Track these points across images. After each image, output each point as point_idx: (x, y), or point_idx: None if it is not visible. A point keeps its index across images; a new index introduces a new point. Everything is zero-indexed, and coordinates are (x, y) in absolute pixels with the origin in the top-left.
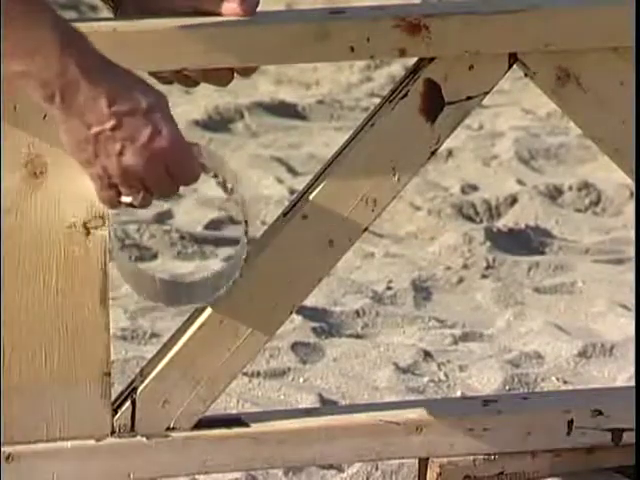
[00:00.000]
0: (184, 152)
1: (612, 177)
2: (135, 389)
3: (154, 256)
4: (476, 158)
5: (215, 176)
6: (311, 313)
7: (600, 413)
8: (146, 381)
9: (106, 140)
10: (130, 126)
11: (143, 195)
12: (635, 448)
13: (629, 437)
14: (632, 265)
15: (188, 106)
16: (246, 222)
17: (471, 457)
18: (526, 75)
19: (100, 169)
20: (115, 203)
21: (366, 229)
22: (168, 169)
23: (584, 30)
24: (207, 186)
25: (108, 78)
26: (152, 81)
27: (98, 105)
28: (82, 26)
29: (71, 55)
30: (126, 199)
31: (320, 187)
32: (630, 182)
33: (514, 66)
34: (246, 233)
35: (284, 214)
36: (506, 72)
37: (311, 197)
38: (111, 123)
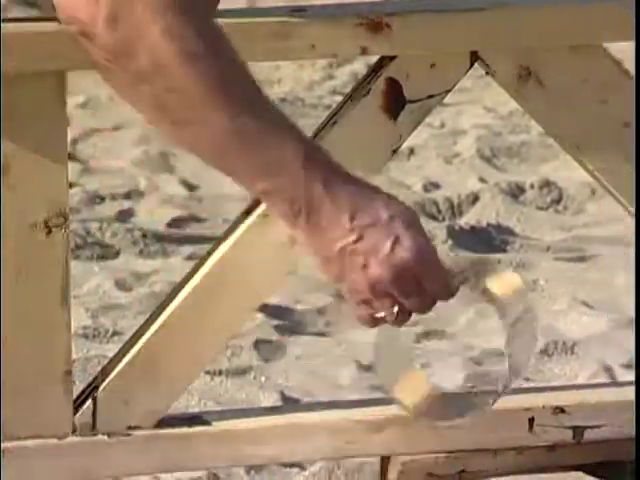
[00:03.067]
0: (431, 264)
1: (574, 175)
2: (96, 388)
3: (116, 254)
4: (438, 156)
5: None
6: (273, 311)
7: (562, 411)
8: (107, 380)
9: (350, 254)
10: (372, 238)
11: (398, 310)
12: (635, 447)
13: (590, 435)
14: (593, 263)
15: None
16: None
17: (433, 455)
18: (487, 73)
19: (351, 285)
20: (369, 321)
21: None
22: (419, 282)
23: (545, 28)
24: (169, 184)
25: (349, 192)
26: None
27: (341, 220)
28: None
29: (315, 171)
30: (380, 315)
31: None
32: (591, 180)
33: (475, 64)
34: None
35: (245, 212)
36: (467, 70)
37: None
38: (353, 237)
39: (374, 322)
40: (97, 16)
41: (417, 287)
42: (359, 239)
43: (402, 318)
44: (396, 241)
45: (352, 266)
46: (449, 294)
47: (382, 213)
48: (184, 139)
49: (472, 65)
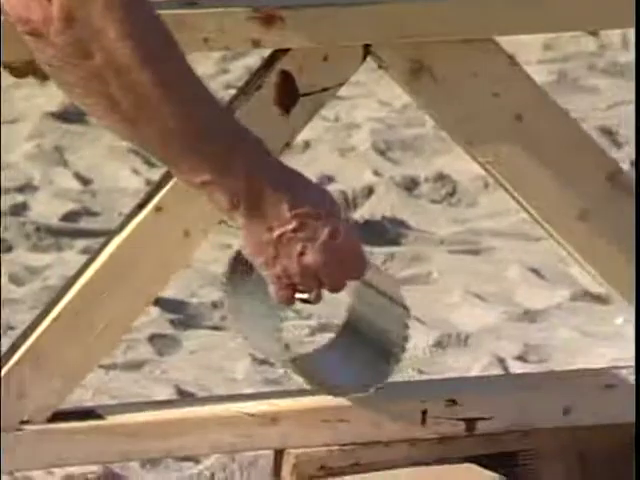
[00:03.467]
0: (358, 248)
1: (467, 168)
2: None
3: (9, 248)
4: (333, 149)
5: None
6: (168, 305)
7: (454, 403)
8: (0, 374)
9: (287, 242)
10: (311, 226)
11: (317, 291)
12: (635, 445)
13: (482, 426)
14: (487, 255)
15: (43, 98)
16: (406, 308)
17: (326, 448)
18: (380, 67)
19: (280, 270)
20: (291, 301)
21: (222, 221)
22: (342, 265)
23: (436, 22)
24: (63, 177)
25: (288, 183)
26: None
27: (281, 209)
28: None
29: (257, 167)
30: (302, 296)
31: (175, 179)
32: (485, 173)
33: (368, 58)
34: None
35: (139, 206)
36: (361, 64)
37: (166, 189)
38: (293, 225)
39: (294, 303)
40: (51, 16)
41: (342, 271)
42: (298, 228)
43: (319, 298)
44: (333, 229)
45: (288, 253)
46: (361, 275)
47: (320, 204)
48: (134, 134)
49: (365, 58)
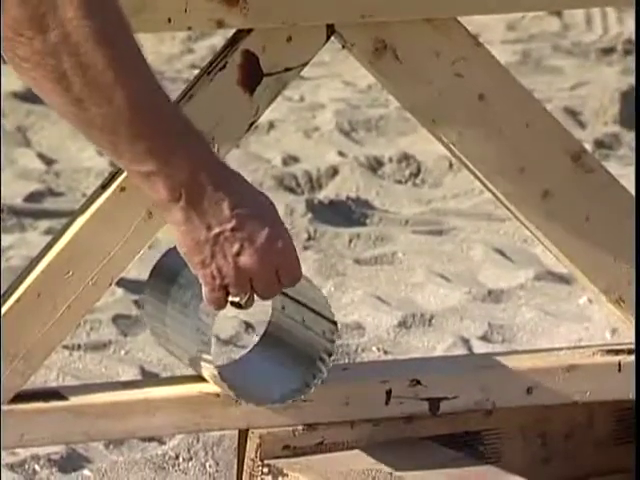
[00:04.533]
0: (294, 256)
1: (431, 149)
2: None
3: None
4: (297, 130)
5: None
6: (132, 285)
7: (418, 383)
8: None
9: (225, 240)
10: (250, 227)
11: (249, 295)
12: (635, 446)
13: (446, 406)
14: (450, 236)
15: (7, 77)
16: (334, 323)
17: (291, 428)
18: (344, 47)
19: (215, 270)
20: (223, 304)
21: None
22: (277, 271)
23: (400, 2)
24: (27, 158)
25: (230, 183)
26: None
27: (221, 207)
28: None
29: (202, 162)
30: (234, 299)
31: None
32: (449, 154)
33: (332, 38)
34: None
35: (102, 186)
36: (324, 44)
37: None
38: (232, 224)
39: (225, 306)
40: None
41: (275, 276)
42: (237, 227)
43: (251, 303)
44: (272, 232)
45: (224, 252)
46: (295, 282)
47: (261, 206)
48: (81, 117)
49: (329, 38)
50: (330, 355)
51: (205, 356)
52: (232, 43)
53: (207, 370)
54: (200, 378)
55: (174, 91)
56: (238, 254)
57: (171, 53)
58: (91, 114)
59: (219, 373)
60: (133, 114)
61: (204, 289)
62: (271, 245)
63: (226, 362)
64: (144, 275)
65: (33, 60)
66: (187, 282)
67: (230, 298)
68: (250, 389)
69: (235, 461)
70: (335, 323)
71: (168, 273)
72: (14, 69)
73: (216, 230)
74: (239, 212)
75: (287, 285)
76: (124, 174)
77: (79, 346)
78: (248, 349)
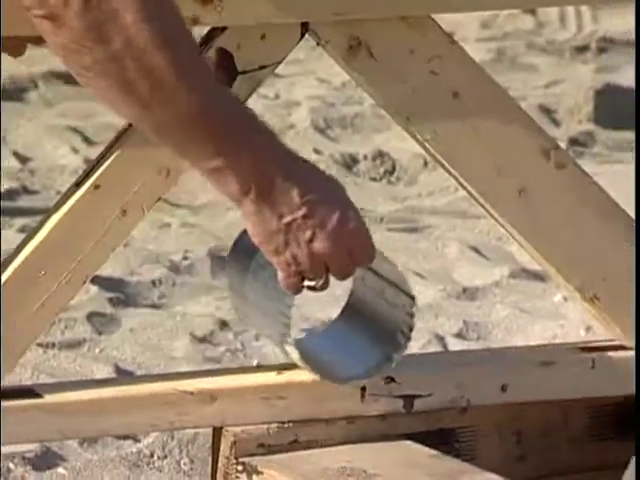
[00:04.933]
0: (367, 235)
1: (406, 146)
2: None
3: None
4: (273, 127)
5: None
6: (107, 283)
7: (393, 380)
8: None
9: (297, 228)
10: (321, 213)
11: (325, 279)
12: (635, 442)
13: (420, 404)
14: (425, 233)
15: None
16: (412, 297)
17: (265, 425)
18: (318, 44)
19: (290, 257)
20: (299, 289)
21: (160, 199)
22: (351, 252)
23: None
24: (1, 156)
25: (298, 171)
26: None
27: (290, 196)
28: None
29: (269, 154)
30: (310, 283)
31: (113, 156)
32: (423, 151)
33: (307, 35)
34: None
35: (76, 184)
36: (298, 41)
37: (104, 166)
38: (302, 212)
39: (301, 290)
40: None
41: (349, 258)
42: (308, 214)
43: (326, 285)
44: (342, 215)
45: (297, 240)
46: (369, 261)
47: (329, 191)
48: (147, 119)
49: (303, 36)
50: (411, 329)
51: (288, 339)
52: (206, 41)
53: (291, 353)
54: (175, 376)
55: None
56: (311, 240)
57: None
58: (156, 117)
59: (301, 354)
60: (199, 113)
61: (279, 275)
62: (342, 228)
63: (307, 339)
64: (119, 273)
65: (96, 69)
66: (265, 261)
67: (306, 283)
68: (332, 366)
69: (210, 459)
70: (413, 297)
71: (249, 249)
72: (79, 80)
73: (288, 219)
74: (309, 199)
75: (362, 265)
76: (98, 172)
77: (54, 344)
78: (328, 325)
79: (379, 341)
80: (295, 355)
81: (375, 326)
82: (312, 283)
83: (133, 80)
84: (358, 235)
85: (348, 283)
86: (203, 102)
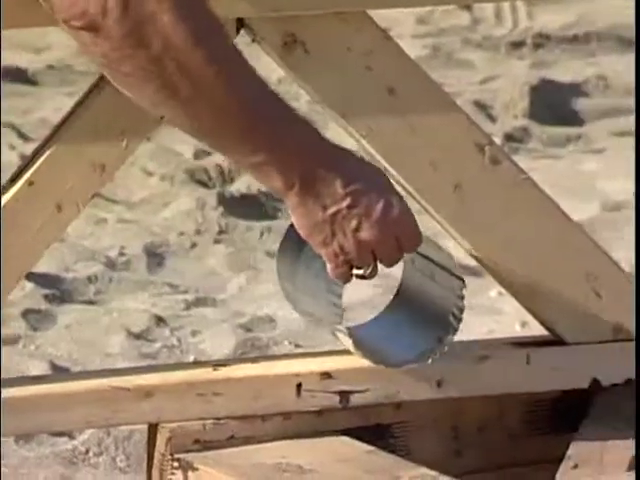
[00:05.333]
0: (412, 221)
1: (343, 142)
2: None
3: None
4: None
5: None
6: (42, 280)
7: (329, 376)
8: None
9: (342, 219)
10: (365, 202)
11: (373, 266)
12: (635, 442)
13: (356, 399)
14: None
15: None
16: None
17: (201, 422)
18: (253, 40)
19: (337, 247)
20: (348, 277)
21: (95, 195)
22: (397, 239)
23: None
24: None
25: (340, 161)
26: None
27: (334, 187)
28: None
29: (311, 146)
30: (358, 272)
31: (47, 153)
32: (359, 147)
33: (242, 31)
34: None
35: (11, 180)
36: (234, 37)
37: (38, 163)
38: (347, 202)
39: (351, 279)
40: (107, 7)
41: (396, 244)
42: (353, 204)
43: (375, 273)
44: (387, 203)
45: (343, 230)
46: (417, 247)
47: (371, 179)
48: (190, 118)
49: (238, 32)
50: (461, 311)
51: (339, 327)
52: None
53: (343, 340)
54: (110, 372)
55: (85, 84)
56: (357, 230)
57: None
58: (199, 115)
59: (354, 341)
60: (239, 109)
61: (328, 266)
62: (387, 215)
63: (359, 326)
64: (54, 269)
65: (138, 74)
66: (314, 252)
67: (354, 271)
68: (386, 351)
69: (145, 455)
70: (463, 280)
71: (297, 240)
72: (122, 89)
73: (332, 210)
74: (352, 189)
75: (410, 250)
76: (33, 168)
77: None
78: (380, 312)
79: (431, 325)
80: (348, 342)
81: (426, 310)
82: (361, 271)
83: (174, 80)
84: (404, 221)
85: (398, 270)
86: (242, 98)
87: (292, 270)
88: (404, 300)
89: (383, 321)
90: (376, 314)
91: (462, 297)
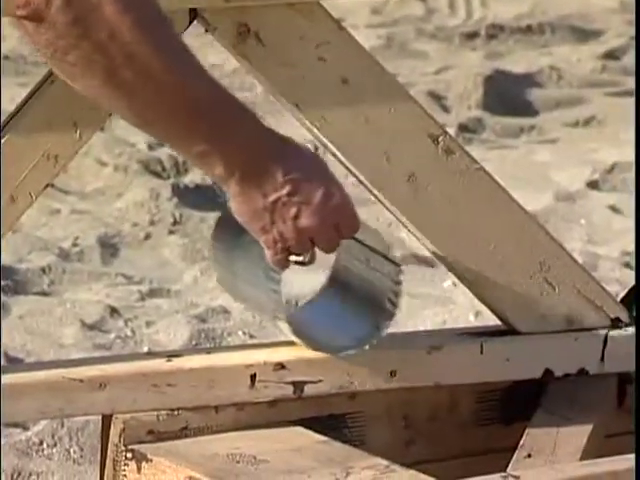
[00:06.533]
0: (351, 208)
1: (296, 133)
2: None
3: None
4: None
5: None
6: None
7: (282, 367)
8: None
9: (282, 206)
10: (305, 189)
11: (312, 252)
12: (635, 442)
13: (310, 389)
14: None
15: None
16: (397, 265)
17: (155, 413)
18: (207, 31)
19: (277, 234)
20: (287, 264)
21: (48, 185)
22: (336, 225)
23: None
24: None
25: (281, 150)
26: None
27: (275, 176)
28: None
29: (253, 135)
30: (297, 258)
31: (1, 143)
32: (313, 137)
33: (195, 21)
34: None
35: None
36: (187, 27)
37: None
38: (287, 189)
39: (289, 265)
40: None
41: (335, 231)
42: (293, 191)
43: (313, 259)
44: (327, 191)
45: (283, 217)
46: (354, 233)
47: (311, 167)
48: (134, 107)
49: (192, 22)
50: (397, 296)
51: (279, 314)
52: None
53: (283, 327)
54: (64, 363)
55: (38, 75)
56: (297, 217)
57: None
58: (144, 104)
59: (294, 328)
60: (183, 99)
61: (267, 253)
62: (327, 203)
63: (297, 312)
64: (8, 260)
65: (82, 63)
66: (251, 239)
67: (293, 258)
68: (324, 338)
69: (99, 446)
70: (399, 265)
71: (234, 227)
72: (66, 79)
73: (272, 197)
74: (292, 177)
75: (348, 237)
76: None
77: None
78: (316, 297)
79: (368, 310)
80: (287, 330)
81: (363, 295)
82: (299, 258)
83: (118, 70)
84: (342, 209)
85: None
86: (186, 87)
87: (229, 257)
88: (340, 286)
89: (321, 308)
90: (313, 300)
91: (398, 282)
